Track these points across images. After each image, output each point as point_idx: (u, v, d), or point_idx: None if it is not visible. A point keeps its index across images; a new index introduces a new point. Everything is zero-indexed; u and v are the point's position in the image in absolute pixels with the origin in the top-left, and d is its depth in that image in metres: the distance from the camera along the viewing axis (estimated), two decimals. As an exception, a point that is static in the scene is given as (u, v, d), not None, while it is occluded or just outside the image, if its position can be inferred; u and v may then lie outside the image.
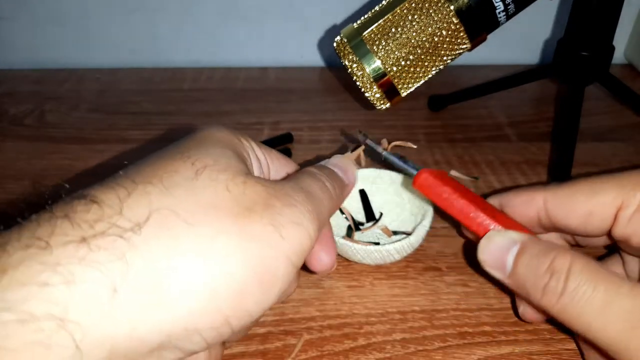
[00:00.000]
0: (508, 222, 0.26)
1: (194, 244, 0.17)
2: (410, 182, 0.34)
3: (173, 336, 0.17)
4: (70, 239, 0.15)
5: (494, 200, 0.28)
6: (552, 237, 0.28)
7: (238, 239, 0.18)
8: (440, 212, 0.32)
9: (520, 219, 0.26)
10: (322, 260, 0.25)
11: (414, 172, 0.27)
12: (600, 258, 0.28)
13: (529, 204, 0.26)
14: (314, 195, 0.22)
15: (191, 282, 0.17)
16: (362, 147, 0.30)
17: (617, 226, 0.24)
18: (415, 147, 0.32)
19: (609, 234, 0.25)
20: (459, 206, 0.26)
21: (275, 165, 0.25)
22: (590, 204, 0.24)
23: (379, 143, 0.29)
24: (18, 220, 0.16)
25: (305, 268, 0.25)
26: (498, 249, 0.24)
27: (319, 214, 0.21)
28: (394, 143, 0.32)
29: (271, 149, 0.25)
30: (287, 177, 0.24)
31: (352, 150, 0.29)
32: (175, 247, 0.17)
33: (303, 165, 0.26)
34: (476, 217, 0.25)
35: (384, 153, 0.29)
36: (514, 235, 0.24)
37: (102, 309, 0.15)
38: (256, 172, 0.23)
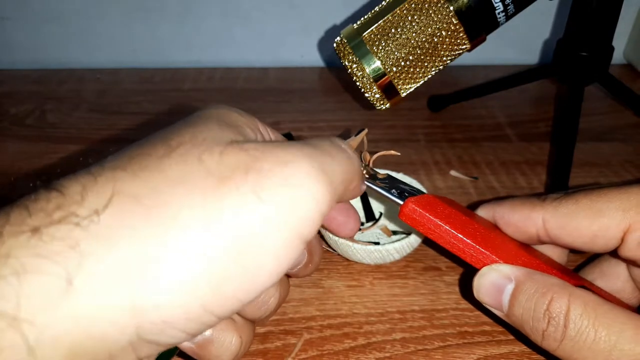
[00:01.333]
0: (503, 246, 0.24)
1: (156, 229, 0.15)
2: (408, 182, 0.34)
3: (142, 332, 0.15)
4: (24, 228, 0.14)
5: (487, 211, 0.27)
6: (549, 247, 0.27)
7: (209, 216, 0.16)
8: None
9: (517, 235, 0.25)
10: (346, 223, 0.23)
11: (400, 202, 0.25)
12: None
13: (526, 222, 0.25)
14: (323, 149, 0.19)
15: (155, 272, 0.15)
16: (365, 130, 0.28)
17: (625, 248, 0.22)
18: (399, 154, 0.30)
19: (614, 250, 0.23)
20: (451, 239, 0.24)
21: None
22: (594, 227, 0.23)
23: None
24: None
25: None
26: (492, 287, 0.23)
27: (329, 171, 0.18)
28: (376, 155, 0.30)
29: (277, 132, 0.23)
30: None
31: (356, 135, 0.28)
32: (136, 234, 0.15)
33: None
34: (469, 250, 0.24)
35: (366, 182, 0.26)
36: (508, 270, 0.23)
37: (57, 304, 0.14)
38: None
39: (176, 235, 0.15)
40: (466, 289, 0.30)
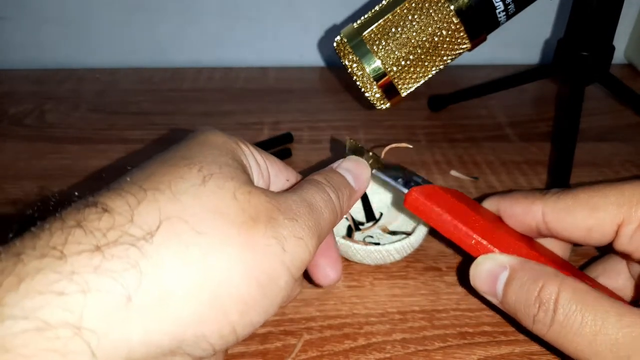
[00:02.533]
0: (502, 237, 0.25)
1: (201, 254, 0.17)
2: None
3: (184, 342, 0.17)
4: (83, 248, 0.16)
5: (492, 203, 0.27)
6: (553, 242, 0.27)
7: (242, 250, 0.18)
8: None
9: (519, 227, 0.26)
10: (329, 275, 0.25)
11: (405, 190, 0.27)
12: (602, 250, 0.28)
13: (526, 215, 0.26)
14: (316, 208, 0.22)
15: (199, 290, 0.17)
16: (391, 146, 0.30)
17: (618, 241, 0.24)
18: (411, 147, 0.31)
19: (610, 244, 0.24)
20: (451, 228, 0.25)
21: (274, 169, 0.25)
22: (590, 221, 0.24)
23: (366, 150, 0.28)
24: (30, 228, 0.16)
25: (311, 281, 0.26)
26: (488, 275, 0.24)
27: (319, 228, 0.21)
28: (388, 147, 0.31)
29: (268, 153, 0.25)
30: (293, 187, 0.24)
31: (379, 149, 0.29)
32: (185, 256, 0.17)
33: (307, 170, 0.26)
34: (468, 239, 0.25)
35: (373, 171, 0.27)
36: (503, 259, 0.24)
37: (117, 317, 0.15)
38: (256, 176, 0.23)
39: (219, 262, 0.18)
40: (465, 282, 0.30)
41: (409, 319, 0.28)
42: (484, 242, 0.25)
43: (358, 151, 0.28)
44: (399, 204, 0.35)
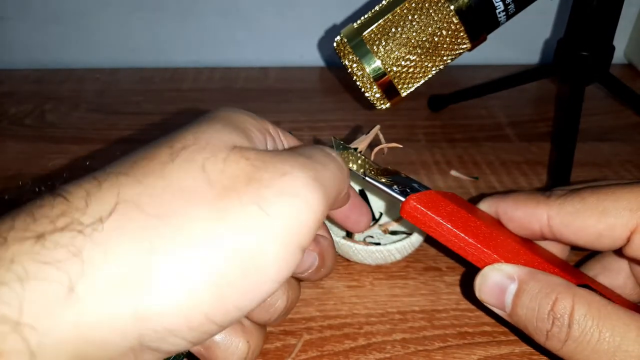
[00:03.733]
0: (505, 244, 0.24)
1: (160, 239, 0.15)
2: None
3: (143, 337, 0.15)
4: (28, 235, 0.14)
5: (489, 205, 0.26)
6: (551, 242, 0.26)
7: (212, 227, 0.16)
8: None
9: (520, 231, 0.25)
10: (359, 222, 0.24)
11: (401, 199, 0.25)
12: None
13: (530, 219, 0.24)
14: (316, 159, 0.19)
15: (157, 281, 0.15)
16: (378, 127, 0.28)
17: (630, 247, 0.22)
18: (401, 146, 0.30)
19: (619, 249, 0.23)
20: (452, 237, 0.24)
21: (290, 144, 0.23)
22: (600, 226, 0.22)
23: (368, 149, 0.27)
24: None
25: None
26: (495, 287, 0.23)
27: (321, 182, 0.18)
28: (377, 148, 0.29)
29: (287, 132, 0.23)
30: (286, 149, 0.22)
31: (367, 133, 0.27)
32: (139, 243, 0.15)
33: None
34: (471, 249, 0.23)
35: (366, 178, 0.25)
36: (511, 269, 0.22)
37: (59, 310, 0.14)
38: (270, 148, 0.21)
39: (179, 246, 0.16)
40: (467, 289, 0.30)
41: (409, 319, 0.28)
42: (488, 251, 0.23)
43: (345, 151, 0.27)
44: (398, 204, 0.35)
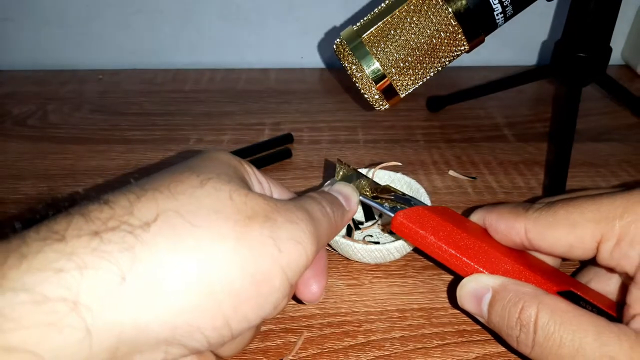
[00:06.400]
0: (488, 255, 0.26)
1: (196, 244, 0.18)
2: (410, 182, 0.35)
3: (177, 331, 0.17)
4: (83, 233, 0.17)
5: (479, 217, 0.28)
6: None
7: (237, 245, 0.19)
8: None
9: (505, 241, 0.27)
10: (313, 289, 0.25)
11: (391, 215, 0.28)
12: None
13: (510, 231, 0.26)
14: (315, 217, 0.22)
15: (193, 279, 0.18)
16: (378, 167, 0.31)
17: (599, 257, 0.23)
18: (400, 164, 0.32)
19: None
20: (437, 250, 0.26)
21: (277, 190, 0.26)
22: (570, 238, 0.24)
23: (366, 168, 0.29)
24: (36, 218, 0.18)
25: (293, 297, 0.26)
26: (472, 296, 0.25)
27: (318, 236, 0.22)
28: (377, 167, 0.31)
29: (272, 178, 0.26)
30: (291, 199, 0.25)
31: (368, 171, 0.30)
32: (179, 246, 0.18)
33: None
34: (454, 260, 0.26)
35: (360, 197, 0.29)
36: (487, 280, 0.24)
37: (111, 295, 0.16)
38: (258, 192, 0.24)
39: (213, 253, 0.18)
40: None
41: (407, 317, 0.29)
42: (470, 263, 0.25)
43: (348, 177, 0.30)
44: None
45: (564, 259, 0.28)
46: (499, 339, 0.27)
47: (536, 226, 0.25)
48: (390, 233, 0.34)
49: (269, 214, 0.20)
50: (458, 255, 0.26)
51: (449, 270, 0.31)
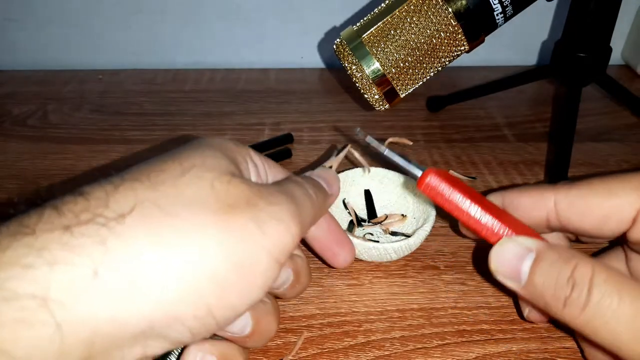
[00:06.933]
0: (518, 226, 0.24)
1: (175, 235, 0.18)
2: (413, 184, 0.35)
3: (155, 323, 0.17)
4: (55, 227, 0.16)
5: (495, 198, 0.27)
6: (553, 236, 0.27)
7: (218, 233, 0.18)
8: (441, 213, 0.32)
9: (526, 219, 0.25)
10: (338, 254, 0.26)
11: (419, 172, 0.25)
12: (601, 251, 0.28)
13: (537, 205, 0.25)
14: (297, 198, 0.22)
15: (172, 270, 0.17)
16: (348, 147, 0.29)
17: (635, 229, 0.22)
18: (411, 143, 0.32)
19: (622, 235, 0.23)
20: (468, 210, 0.24)
21: (272, 172, 0.25)
22: (606, 207, 0.23)
23: (379, 142, 0.28)
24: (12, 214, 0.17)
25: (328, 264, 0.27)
26: (512, 257, 0.22)
27: (300, 215, 0.21)
28: (389, 139, 0.31)
29: (269, 159, 0.26)
30: (273, 183, 0.25)
31: (337, 154, 0.29)
32: (157, 237, 0.17)
33: (307, 169, 0.27)
34: (486, 222, 0.24)
35: (386, 152, 0.26)
36: (529, 242, 0.22)
37: (83, 290, 0.16)
38: (253, 177, 0.24)
39: (192, 243, 0.18)
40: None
41: (407, 317, 0.29)
42: (504, 226, 0.23)
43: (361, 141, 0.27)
44: (406, 205, 0.35)
45: (579, 241, 0.27)
46: (497, 337, 0.27)
47: (568, 196, 0.24)
48: (392, 234, 0.34)
49: (251, 200, 0.20)
50: (493, 217, 0.23)
51: (460, 260, 0.31)
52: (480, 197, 0.25)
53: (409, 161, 0.26)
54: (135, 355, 0.18)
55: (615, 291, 0.20)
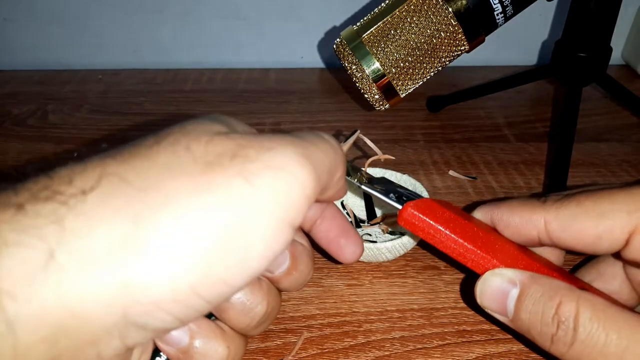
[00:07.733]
0: (504, 250, 0.24)
1: (145, 209, 0.15)
2: (413, 184, 0.35)
3: (128, 312, 0.15)
4: (7, 206, 0.15)
5: (484, 213, 0.26)
6: (546, 249, 0.26)
7: (197, 198, 0.16)
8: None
9: (516, 237, 0.25)
10: (345, 247, 0.23)
11: (398, 206, 0.25)
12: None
13: (527, 225, 0.24)
14: (306, 139, 0.19)
15: (142, 250, 0.15)
16: (358, 132, 0.28)
17: (629, 250, 0.22)
18: (393, 158, 0.30)
19: (617, 252, 0.23)
20: (451, 244, 0.24)
21: None
22: (599, 229, 0.22)
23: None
24: None
25: (334, 260, 0.25)
26: (496, 291, 0.22)
27: (312, 157, 0.18)
28: (370, 159, 0.30)
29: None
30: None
31: (346, 140, 0.28)
32: (120, 214, 0.15)
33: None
34: (469, 255, 0.23)
35: (362, 186, 0.26)
36: (512, 274, 0.22)
37: (38, 278, 0.14)
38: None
39: (164, 217, 0.15)
40: (467, 294, 0.30)
41: (407, 317, 0.29)
42: (488, 257, 0.23)
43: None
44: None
45: (570, 253, 0.26)
46: (497, 337, 0.27)
47: (558, 217, 0.23)
48: (391, 233, 0.34)
49: (239, 152, 0.17)
50: (475, 249, 0.23)
51: (460, 267, 0.31)
52: (464, 224, 0.24)
53: (387, 194, 0.25)
54: (115, 349, 0.16)
55: (602, 329, 0.19)
